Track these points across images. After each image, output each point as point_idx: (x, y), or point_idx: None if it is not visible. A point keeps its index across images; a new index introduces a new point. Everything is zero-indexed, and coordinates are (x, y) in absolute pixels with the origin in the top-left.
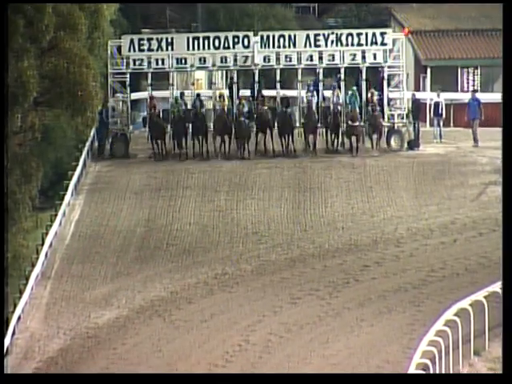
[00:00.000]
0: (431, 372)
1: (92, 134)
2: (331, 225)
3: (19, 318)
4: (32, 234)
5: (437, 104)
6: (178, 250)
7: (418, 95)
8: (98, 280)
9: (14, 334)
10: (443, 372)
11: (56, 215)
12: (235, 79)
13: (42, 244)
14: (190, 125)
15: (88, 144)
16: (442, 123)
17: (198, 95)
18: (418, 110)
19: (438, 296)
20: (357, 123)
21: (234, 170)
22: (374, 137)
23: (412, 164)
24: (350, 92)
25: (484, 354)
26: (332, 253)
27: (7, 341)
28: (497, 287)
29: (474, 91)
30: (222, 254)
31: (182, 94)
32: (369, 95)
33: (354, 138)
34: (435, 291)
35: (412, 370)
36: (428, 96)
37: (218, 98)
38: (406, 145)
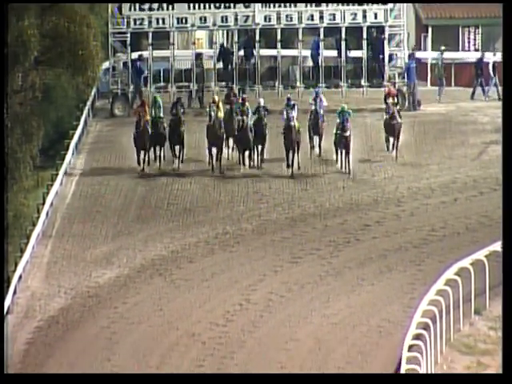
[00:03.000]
0: (432, 333)
1: (93, 93)
2: (332, 184)
3: (20, 277)
4: (33, 193)
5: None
6: (178, 210)
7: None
8: (99, 239)
9: (15, 292)
10: (444, 331)
11: (57, 174)
12: (231, 41)
13: (43, 203)
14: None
15: (89, 103)
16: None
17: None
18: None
19: (439, 255)
20: (347, 133)
21: None
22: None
23: (413, 123)
24: (339, 109)
25: (485, 312)
26: (333, 212)
27: (8, 300)
28: (497, 246)
29: (413, 53)
30: (222, 214)
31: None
32: (389, 102)
33: (343, 151)
34: (436, 250)
35: (413, 329)
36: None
37: (211, 104)
38: (406, 104)
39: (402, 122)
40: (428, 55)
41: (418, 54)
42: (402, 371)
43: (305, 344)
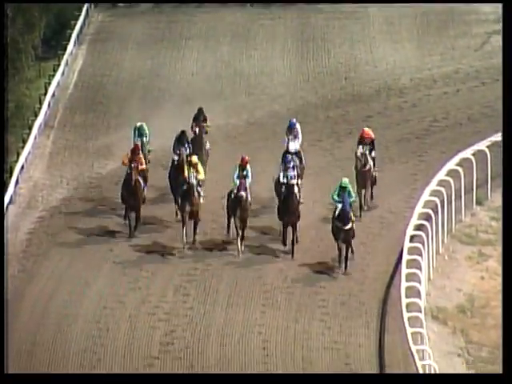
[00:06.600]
0: (433, 223)
1: None
2: (334, 75)
3: (22, 167)
4: (35, 83)
5: None
6: (180, 101)
7: None
8: (101, 130)
9: (17, 183)
10: (445, 221)
11: (59, 65)
12: None
13: (45, 94)
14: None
15: None
16: None
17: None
18: None
19: (441, 146)
20: (349, 225)
21: (237, 21)
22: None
23: (415, 14)
24: (336, 184)
25: (486, 203)
26: (335, 103)
27: (11, 190)
28: (499, 136)
29: None
30: (224, 105)
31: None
32: (358, 154)
33: (343, 246)
34: (438, 141)
35: (414, 219)
36: None
37: (190, 166)
38: None
39: (376, 172)
40: None
41: None
42: (404, 261)
43: (306, 234)
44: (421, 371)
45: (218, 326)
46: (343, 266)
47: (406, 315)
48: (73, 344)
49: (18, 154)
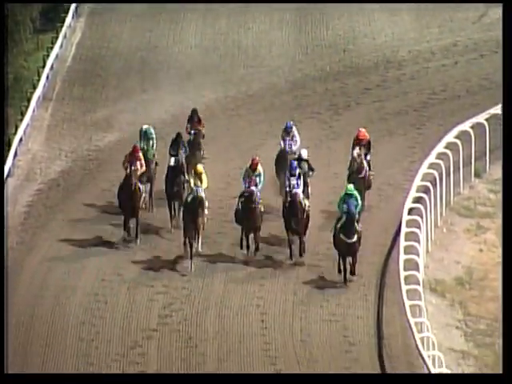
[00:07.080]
0: (432, 196)
1: None
2: (333, 48)
3: (21, 139)
4: (33, 56)
5: None
6: (179, 73)
7: None
8: (100, 103)
9: (15, 155)
10: (444, 194)
11: (57, 37)
12: None
13: (43, 66)
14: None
15: None
16: None
17: None
18: None
19: (439, 118)
20: (354, 238)
21: None
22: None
23: None
24: (344, 192)
25: (485, 175)
26: (333, 76)
27: (9, 163)
28: (498, 109)
29: None
30: (223, 77)
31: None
32: (355, 154)
33: (346, 260)
34: (436, 114)
35: (413, 192)
36: None
37: (193, 175)
38: None
39: (373, 175)
40: None
41: None
42: (402, 234)
43: None
44: (419, 344)
45: (217, 298)
46: (344, 278)
47: (404, 288)
48: (71, 317)
49: (17, 127)
